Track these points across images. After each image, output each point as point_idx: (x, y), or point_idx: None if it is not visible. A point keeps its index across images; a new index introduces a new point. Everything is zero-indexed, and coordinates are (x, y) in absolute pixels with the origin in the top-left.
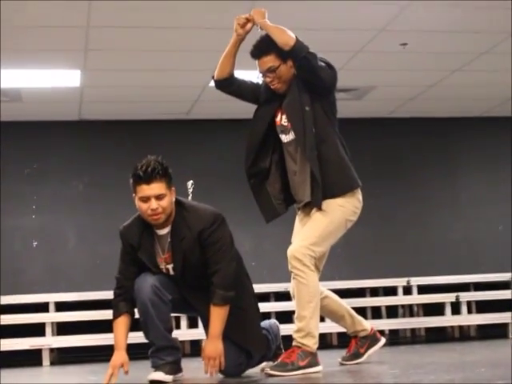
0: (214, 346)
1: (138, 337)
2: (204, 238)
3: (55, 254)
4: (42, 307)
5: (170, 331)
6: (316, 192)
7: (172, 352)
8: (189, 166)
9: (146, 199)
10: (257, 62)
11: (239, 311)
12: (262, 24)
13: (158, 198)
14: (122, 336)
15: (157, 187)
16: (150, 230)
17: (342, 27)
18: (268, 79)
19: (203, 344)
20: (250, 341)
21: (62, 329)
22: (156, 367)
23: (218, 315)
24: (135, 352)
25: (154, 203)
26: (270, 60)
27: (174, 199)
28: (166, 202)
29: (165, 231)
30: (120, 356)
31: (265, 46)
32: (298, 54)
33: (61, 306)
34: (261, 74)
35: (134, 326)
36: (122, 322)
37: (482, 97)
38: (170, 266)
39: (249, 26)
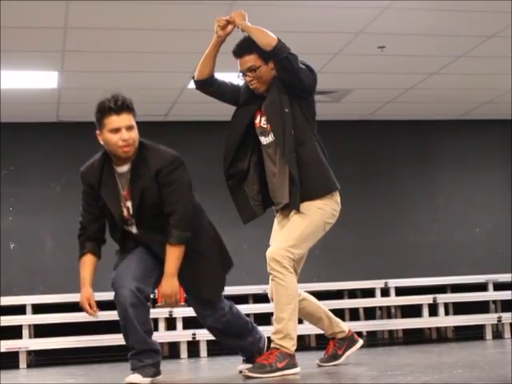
0: (170, 285)
1: (118, 339)
2: (161, 176)
3: (32, 256)
4: (19, 309)
5: (150, 333)
6: (294, 194)
7: (151, 355)
8: None
9: (116, 130)
10: (238, 60)
11: (195, 255)
12: (243, 26)
13: (129, 129)
14: (88, 273)
15: (127, 118)
16: (110, 168)
17: (320, 30)
18: (248, 78)
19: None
20: (203, 286)
21: (39, 331)
22: (134, 369)
23: (174, 254)
24: (115, 354)
25: (125, 134)
26: (252, 59)
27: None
28: (135, 134)
29: (125, 168)
30: (86, 291)
31: (247, 46)
32: (280, 55)
33: (38, 308)
34: (241, 74)
35: (115, 328)
36: (87, 261)
37: (460, 99)
38: (129, 204)
39: (229, 27)
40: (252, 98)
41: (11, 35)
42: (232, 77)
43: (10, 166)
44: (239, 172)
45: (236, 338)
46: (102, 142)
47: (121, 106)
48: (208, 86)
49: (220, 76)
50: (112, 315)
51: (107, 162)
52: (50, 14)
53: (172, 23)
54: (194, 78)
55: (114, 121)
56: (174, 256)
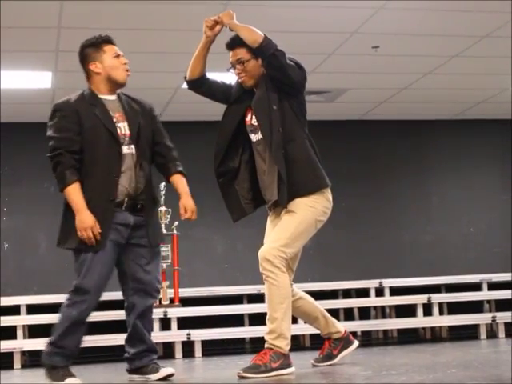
0: (191, 201)
1: (112, 339)
2: (153, 114)
3: (27, 257)
4: (14, 310)
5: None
6: (282, 191)
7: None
8: None
9: (117, 55)
10: (230, 53)
11: None
12: (231, 24)
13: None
14: (83, 199)
15: (119, 48)
16: (92, 98)
17: (315, 30)
18: (236, 71)
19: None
20: None
21: (34, 331)
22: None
23: (183, 181)
24: (111, 354)
25: (123, 59)
26: (241, 52)
27: None
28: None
29: (113, 97)
30: (89, 215)
31: (239, 39)
32: (266, 52)
33: (32, 309)
34: (231, 67)
35: (110, 328)
36: (78, 188)
37: (454, 99)
38: (123, 124)
39: (217, 27)
40: (243, 96)
41: (5, 35)
42: (223, 76)
43: (5, 166)
44: (230, 170)
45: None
46: (98, 71)
47: (111, 38)
48: (199, 85)
49: (211, 76)
50: (105, 315)
51: (88, 94)
52: (44, 14)
53: (165, 23)
54: (185, 77)
55: (113, 48)
56: (184, 182)
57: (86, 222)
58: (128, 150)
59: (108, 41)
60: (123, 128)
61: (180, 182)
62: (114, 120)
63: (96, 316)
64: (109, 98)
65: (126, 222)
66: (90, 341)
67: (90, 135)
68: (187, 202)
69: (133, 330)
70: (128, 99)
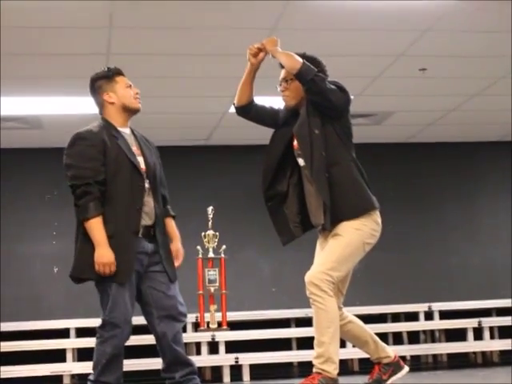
0: (181, 246)
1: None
2: (158, 154)
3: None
4: (63, 333)
5: None
6: (326, 215)
7: None
8: (208, 192)
9: (130, 86)
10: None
11: None
12: (272, 51)
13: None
14: (104, 232)
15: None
16: (112, 129)
17: (361, 53)
18: (281, 88)
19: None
20: None
21: (83, 354)
22: None
23: (174, 225)
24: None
25: (134, 89)
26: (287, 71)
27: None
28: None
29: (127, 130)
30: (109, 251)
31: None
32: (305, 77)
33: (81, 332)
34: (280, 84)
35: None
36: (100, 221)
37: (501, 121)
38: (140, 159)
39: (261, 55)
40: (290, 120)
41: (58, 62)
42: (271, 100)
43: (54, 190)
44: (278, 193)
45: None
46: (112, 101)
47: (121, 70)
48: (247, 111)
49: (260, 99)
50: (148, 339)
51: (107, 125)
52: (93, 41)
53: (213, 49)
54: (234, 104)
55: (125, 79)
56: (174, 225)
57: (106, 257)
58: (147, 184)
59: (119, 73)
60: (141, 162)
61: (173, 225)
62: (134, 153)
63: (137, 340)
64: (124, 130)
65: (145, 250)
66: (135, 364)
67: (114, 166)
68: (179, 246)
69: (172, 356)
70: (140, 134)
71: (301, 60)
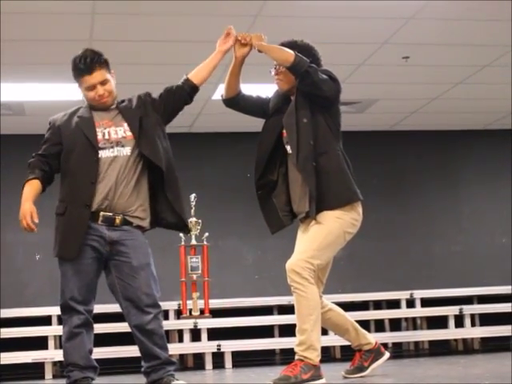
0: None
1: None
2: (152, 98)
3: (57, 267)
4: (45, 320)
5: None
6: (311, 203)
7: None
8: (191, 180)
9: (91, 88)
10: None
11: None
12: (260, 46)
13: (103, 83)
14: (33, 192)
15: (99, 75)
16: (86, 110)
17: (345, 40)
18: (274, 72)
19: None
20: None
21: None
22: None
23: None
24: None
25: (100, 89)
26: None
27: (115, 81)
28: (109, 86)
29: (110, 113)
30: (29, 204)
31: (286, 45)
32: (299, 70)
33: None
34: (274, 67)
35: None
36: (34, 183)
37: (484, 110)
38: (111, 129)
39: (246, 49)
40: (281, 108)
41: (38, 48)
42: (259, 89)
43: None
44: (269, 183)
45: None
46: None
47: (90, 64)
48: (236, 103)
49: (247, 88)
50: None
51: (83, 107)
52: (75, 27)
53: (196, 35)
54: (222, 96)
55: (88, 80)
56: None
57: (22, 209)
58: (111, 153)
59: (82, 72)
60: (107, 133)
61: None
62: (93, 126)
63: (113, 328)
64: (104, 114)
65: (104, 237)
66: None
67: (69, 143)
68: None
69: (141, 347)
70: (127, 102)
71: (292, 52)
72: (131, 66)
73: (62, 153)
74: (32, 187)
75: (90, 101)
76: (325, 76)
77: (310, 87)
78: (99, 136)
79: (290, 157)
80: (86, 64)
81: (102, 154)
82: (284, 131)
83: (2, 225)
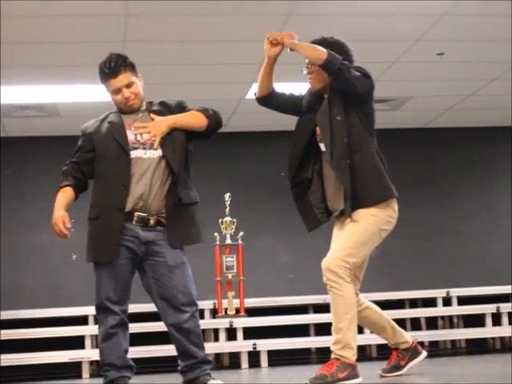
0: (166, 120)
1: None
2: (184, 106)
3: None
4: (82, 320)
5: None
6: (347, 201)
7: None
8: (226, 179)
9: (117, 91)
10: None
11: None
12: (292, 44)
13: (128, 86)
14: (65, 200)
15: (124, 77)
16: (114, 115)
17: (379, 38)
18: (307, 71)
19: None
20: None
21: None
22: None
23: (191, 113)
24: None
25: (125, 92)
26: None
27: (142, 84)
28: (136, 88)
29: (139, 115)
30: (61, 212)
31: (317, 43)
32: (332, 67)
33: None
34: (306, 66)
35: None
36: (67, 191)
37: None
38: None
39: (278, 48)
40: (314, 106)
41: (74, 50)
42: (292, 87)
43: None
44: (303, 180)
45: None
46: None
47: (114, 68)
48: (269, 101)
49: (280, 87)
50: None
51: (112, 112)
52: (109, 28)
53: (229, 35)
54: (255, 95)
55: (113, 83)
56: (191, 113)
57: (55, 217)
58: (144, 154)
59: (107, 76)
60: (140, 135)
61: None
62: (124, 131)
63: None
64: (134, 117)
65: (140, 237)
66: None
67: (101, 148)
68: (166, 118)
69: (178, 346)
70: (156, 105)
71: (325, 50)
72: (163, 66)
73: (94, 159)
74: (65, 195)
75: (117, 104)
76: (358, 73)
77: (343, 84)
78: (131, 137)
79: (324, 155)
80: (111, 68)
81: (136, 153)
82: (317, 129)
83: (38, 225)
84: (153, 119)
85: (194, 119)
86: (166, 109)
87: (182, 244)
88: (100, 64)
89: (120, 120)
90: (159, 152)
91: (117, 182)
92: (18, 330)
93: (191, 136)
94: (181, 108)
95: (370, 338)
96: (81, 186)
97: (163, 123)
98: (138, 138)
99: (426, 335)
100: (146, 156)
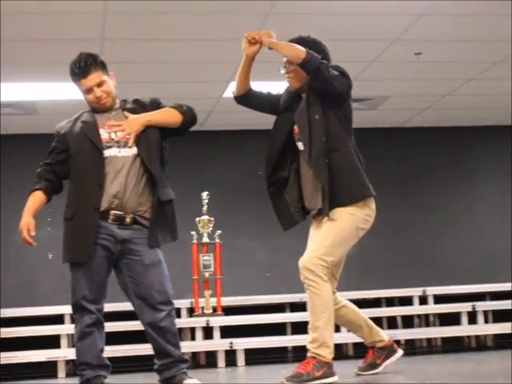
0: (139, 118)
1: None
2: (158, 103)
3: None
4: (58, 319)
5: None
6: (325, 200)
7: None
8: (203, 177)
9: (89, 91)
10: None
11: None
12: (270, 43)
13: (99, 85)
14: (34, 205)
15: (95, 77)
16: (87, 114)
17: (357, 37)
18: (285, 70)
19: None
20: None
21: None
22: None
23: (164, 110)
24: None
25: (97, 91)
26: None
27: (114, 82)
28: (107, 87)
29: (112, 113)
30: (28, 218)
31: (295, 39)
32: (310, 66)
33: None
34: (284, 66)
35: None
36: (38, 195)
37: (497, 106)
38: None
39: (256, 46)
40: (292, 105)
41: (50, 47)
42: (270, 86)
43: None
44: (280, 179)
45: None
46: None
47: (84, 67)
48: (247, 100)
49: (258, 86)
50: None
51: (86, 112)
52: (86, 26)
53: (208, 33)
54: (233, 93)
55: (84, 83)
56: (164, 110)
57: (21, 223)
58: (118, 152)
59: (78, 76)
60: (114, 133)
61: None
62: (97, 129)
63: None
64: (107, 115)
65: (115, 235)
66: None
67: (75, 147)
68: (139, 116)
69: (154, 344)
70: (130, 103)
71: (303, 49)
72: (141, 64)
73: (68, 159)
74: (35, 199)
75: (89, 103)
76: (336, 72)
77: (322, 83)
78: (105, 136)
79: (302, 154)
80: (81, 68)
81: (110, 152)
82: (295, 128)
83: (14, 224)
84: (127, 117)
85: (168, 116)
86: (140, 106)
87: (160, 242)
88: (70, 64)
89: (93, 119)
90: (134, 150)
91: (91, 182)
92: None
93: (166, 133)
94: (155, 105)
95: (347, 337)
96: (54, 189)
97: (137, 121)
98: (113, 136)
99: (403, 333)
100: (121, 154)
